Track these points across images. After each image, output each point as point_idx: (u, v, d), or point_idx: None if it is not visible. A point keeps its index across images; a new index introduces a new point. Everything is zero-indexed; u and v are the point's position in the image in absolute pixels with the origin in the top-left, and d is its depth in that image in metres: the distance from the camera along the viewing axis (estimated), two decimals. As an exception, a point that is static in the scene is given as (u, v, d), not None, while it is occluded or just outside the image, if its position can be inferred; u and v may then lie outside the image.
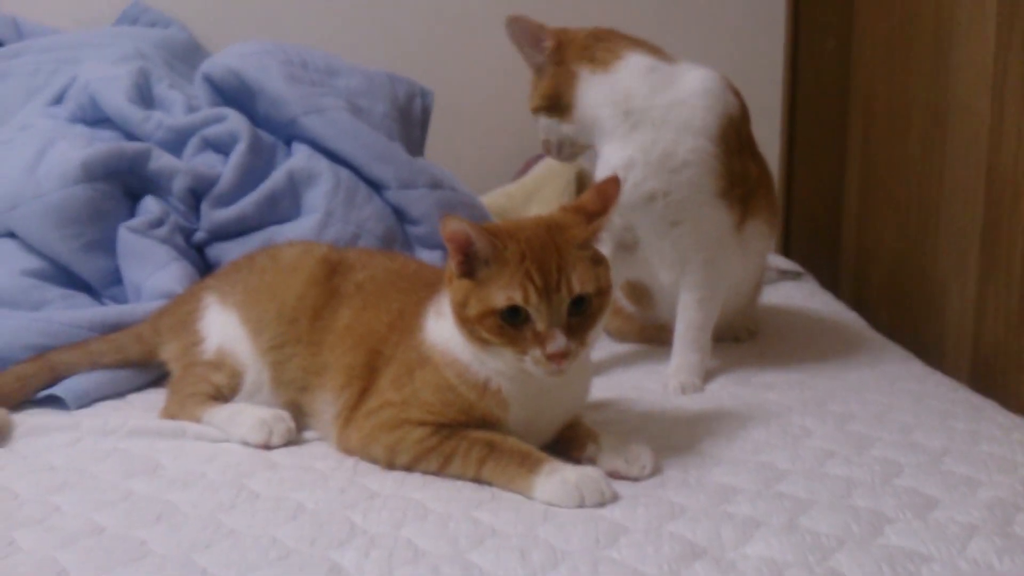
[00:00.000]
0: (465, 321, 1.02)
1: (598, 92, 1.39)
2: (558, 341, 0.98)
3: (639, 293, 1.56)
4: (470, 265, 1.02)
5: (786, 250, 2.26)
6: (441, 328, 1.08)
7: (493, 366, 1.04)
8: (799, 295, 1.88)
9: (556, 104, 1.43)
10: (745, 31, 2.34)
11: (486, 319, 1.00)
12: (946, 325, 1.61)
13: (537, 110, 1.46)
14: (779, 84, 2.34)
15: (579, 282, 0.99)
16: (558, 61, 1.42)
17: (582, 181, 2.14)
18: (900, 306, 1.84)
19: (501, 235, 1.01)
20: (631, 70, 1.39)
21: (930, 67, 1.74)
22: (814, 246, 2.19)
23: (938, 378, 1.38)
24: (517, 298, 0.98)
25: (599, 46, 1.41)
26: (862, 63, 2.10)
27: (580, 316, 1.00)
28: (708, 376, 1.40)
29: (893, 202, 1.92)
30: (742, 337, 1.60)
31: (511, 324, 0.99)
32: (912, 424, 1.17)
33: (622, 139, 1.38)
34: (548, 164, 2.19)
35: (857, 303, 1.98)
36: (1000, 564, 0.84)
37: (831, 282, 2.14)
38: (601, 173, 1.39)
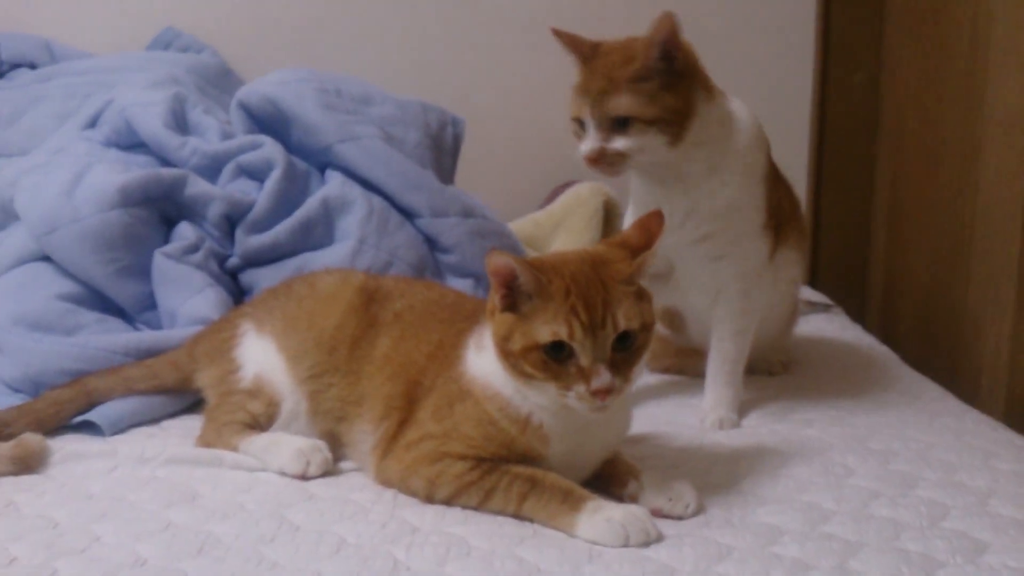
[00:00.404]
0: (508, 355, 1.01)
1: (709, 122, 1.31)
2: (603, 377, 0.98)
3: (671, 317, 1.55)
4: (513, 299, 1.02)
5: (813, 282, 2.25)
6: (482, 361, 1.07)
7: (535, 400, 1.03)
8: (830, 328, 1.87)
9: (673, 122, 1.28)
10: (774, 63, 2.35)
11: (530, 354, 0.99)
12: (981, 361, 1.60)
13: (653, 122, 1.27)
14: (807, 117, 2.34)
15: (624, 318, 0.99)
16: (685, 75, 1.29)
17: (609, 209, 2.14)
18: (931, 341, 1.83)
19: (546, 269, 1.01)
20: (730, 106, 1.35)
21: (962, 102, 1.74)
22: (842, 279, 2.18)
23: (976, 415, 1.36)
24: (562, 333, 0.98)
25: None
26: (892, 97, 2.10)
27: (625, 352, 1.00)
28: (743, 410, 1.39)
29: (923, 236, 1.91)
30: (776, 371, 1.59)
31: (555, 359, 0.99)
32: (956, 463, 1.16)
33: (695, 179, 1.33)
34: (576, 192, 2.19)
35: (885, 337, 1.97)
36: (1056, 612, 0.83)
37: (858, 316, 2.12)
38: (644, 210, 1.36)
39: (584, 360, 0.98)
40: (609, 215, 2.14)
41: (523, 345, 1.00)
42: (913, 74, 1.99)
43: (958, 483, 1.10)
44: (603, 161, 1.28)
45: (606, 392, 0.98)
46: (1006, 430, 1.31)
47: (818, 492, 1.08)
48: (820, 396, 1.45)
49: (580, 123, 1.31)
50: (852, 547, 0.94)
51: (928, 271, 1.88)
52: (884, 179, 2.13)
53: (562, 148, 2.33)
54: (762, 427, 1.33)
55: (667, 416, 1.40)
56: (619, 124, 1.27)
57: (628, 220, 1.47)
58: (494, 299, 1.03)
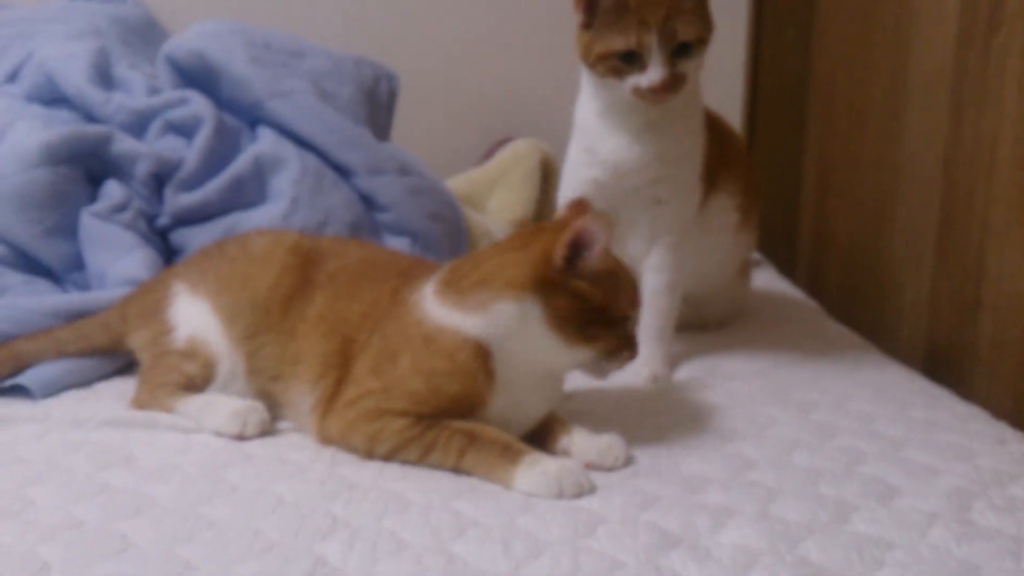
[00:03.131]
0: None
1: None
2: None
3: None
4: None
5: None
6: (438, 312, 1.08)
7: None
8: (758, 282, 1.92)
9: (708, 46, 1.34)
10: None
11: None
12: (901, 315, 1.66)
13: (706, 44, 1.33)
14: (741, 73, 2.38)
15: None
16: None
17: (547, 167, 2.15)
18: (855, 295, 1.89)
19: None
20: None
21: (889, 59, 1.78)
22: (772, 234, 2.24)
23: (895, 367, 1.43)
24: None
25: None
26: (822, 54, 2.14)
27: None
28: (673, 364, 1.43)
29: (850, 193, 1.97)
30: (710, 327, 1.64)
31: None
32: (872, 413, 1.21)
33: (667, 123, 1.37)
34: (513, 149, 2.19)
35: (813, 291, 2.03)
36: (959, 550, 0.88)
37: (788, 270, 2.19)
38: (617, 156, 1.39)
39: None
40: (547, 172, 2.15)
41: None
42: (844, 32, 2.03)
43: (874, 432, 1.15)
44: (671, 87, 1.29)
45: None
46: (922, 380, 1.37)
47: (741, 442, 1.13)
48: (747, 350, 1.50)
49: (629, 57, 1.29)
50: (773, 493, 0.99)
51: (854, 227, 1.94)
52: (814, 135, 2.18)
53: (499, 104, 2.35)
54: (691, 381, 1.37)
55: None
56: (682, 49, 1.29)
57: (569, 170, 1.48)
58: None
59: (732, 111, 2.33)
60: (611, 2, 1.29)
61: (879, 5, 1.83)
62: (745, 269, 1.68)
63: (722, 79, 2.33)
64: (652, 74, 1.28)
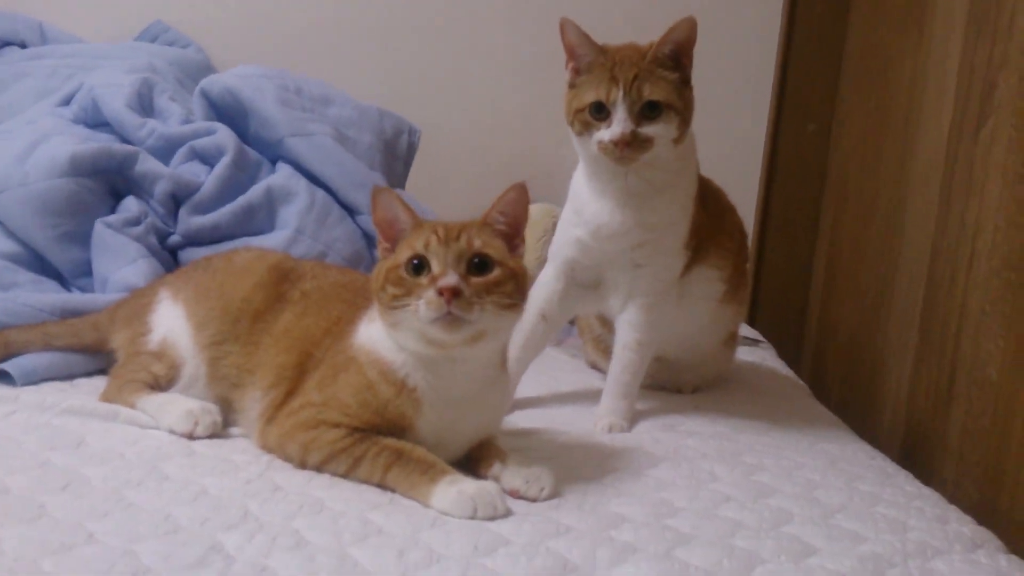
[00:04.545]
0: (380, 290, 1.08)
1: (688, 138, 1.41)
2: (450, 277, 1.03)
3: (604, 321, 1.62)
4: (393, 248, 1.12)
5: (753, 320, 2.29)
6: (371, 330, 1.13)
7: (402, 340, 1.07)
8: (753, 358, 1.91)
9: (684, 120, 1.37)
10: (731, 106, 2.42)
11: (392, 273, 1.07)
12: (884, 401, 1.64)
13: (678, 112, 1.35)
14: (760, 161, 2.41)
15: (480, 241, 1.07)
16: (688, 82, 1.38)
17: (559, 231, 2.19)
18: (850, 382, 1.86)
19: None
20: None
21: (897, 157, 1.80)
22: (780, 319, 2.23)
23: (860, 446, 1.40)
24: (419, 246, 1.06)
25: None
26: (839, 148, 2.16)
27: (481, 276, 1.05)
28: (636, 418, 1.43)
29: (855, 282, 1.96)
30: (684, 390, 1.63)
31: (414, 275, 1.05)
32: (818, 482, 1.19)
33: (648, 195, 1.40)
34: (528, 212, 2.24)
35: (816, 376, 2.01)
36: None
37: (794, 353, 2.16)
38: (600, 220, 1.42)
39: (436, 265, 1.04)
40: (558, 235, 2.19)
41: (388, 266, 1.08)
42: (859, 128, 2.05)
43: (813, 499, 1.13)
44: (632, 145, 1.32)
45: (452, 291, 1.01)
46: (884, 459, 1.34)
47: (675, 491, 1.12)
48: (714, 414, 1.49)
49: (597, 110, 1.34)
50: (685, 538, 0.98)
51: (856, 315, 1.92)
52: (827, 225, 2.18)
53: (517, 168, 2.41)
54: (647, 435, 1.36)
55: (566, 418, 1.44)
56: (649, 110, 1.33)
57: (560, 228, 1.52)
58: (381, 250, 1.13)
59: (748, 198, 2.36)
60: (591, 60, 1.35)
61: (894, 101, 1.85)
62: (730, 340, 1.67)
63: (742, 166, 2.39)
64: (614, 128, 1.32)
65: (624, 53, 1.35)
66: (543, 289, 1.50)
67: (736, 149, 2.38)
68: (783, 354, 2.10)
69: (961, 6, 1.56)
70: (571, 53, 1.39)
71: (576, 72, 1.39)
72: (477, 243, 1.06)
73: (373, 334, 1.12)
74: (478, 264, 1.06)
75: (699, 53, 2.39)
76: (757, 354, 1.94)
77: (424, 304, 1.02)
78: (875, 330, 1.77)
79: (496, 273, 1.06)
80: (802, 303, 2.25)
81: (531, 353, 1.51)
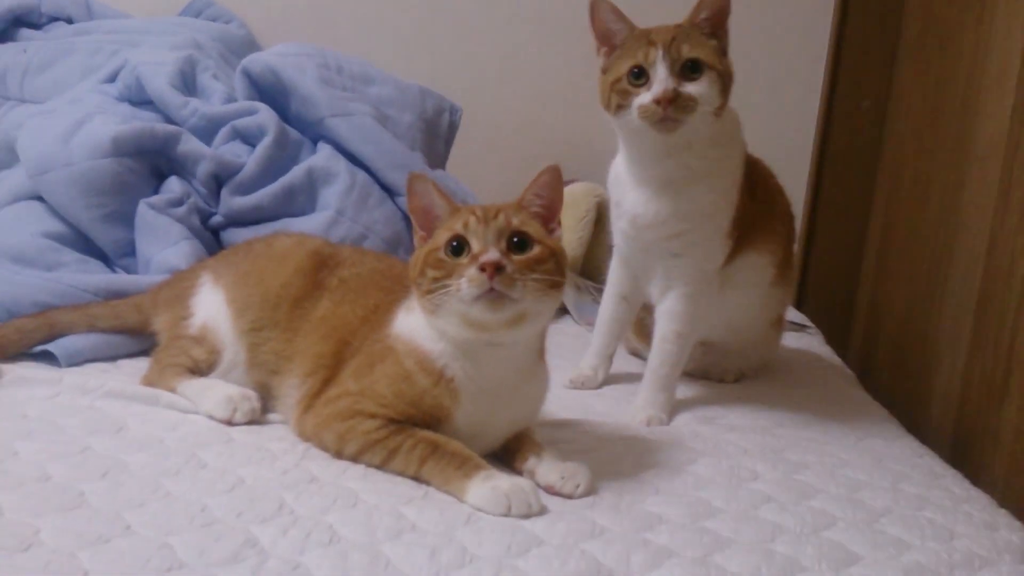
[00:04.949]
0: (420, 265, 1.08)
1: (727, 118, 1.38)
2: (491, 254, 1.02)
3: (647, 304, 1.59)
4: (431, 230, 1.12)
5: (800, 304, 2.24)
6: (409, 320, 1.12)
7: (444, 325, 1.06)
8: (801, 344, 1.86)
9: (725, 87, 1.33)
10: (783, 80, 2.35)
11: (431, 255, 1.06)
12: (934, 393, 1.59)
13: (720, 75, 1.32)
14: (811, 137, 2.34)
15: (517, 219, 1.06)
16: (726, 54, 1.35)
17: (602, 209, 2.16)
18: (901, 370, 1.81)
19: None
20: (735, 113, 1.40)
21: (955, 137, 1.73)
22: (829, 302, 2.18)
23: (907, 442, 1.36)
24: (457, 227, 1.06)
25: None
26: (895, 126, 2.09)
27: (521, 254, 1.04)
28: (675, 410, 1.41)
29: (907, 267, 1.90)
30: (727, 379, 1.60)
31: (454, 253, 1.05)
32: (863, 482, 1.16)
33: (686, 183, 1.37)
34: (570, 191, 2.21)
35: (865, 361, 1.96)
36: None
37: (842, 339, 2.11)
38: (636, 210, 1.41)
39: (477, 244, 1.04)
40: (601, 215, 2.16)
41: (427, 250, 1.07)
42: (916, 106, 1.98)
43: (857, 500, 1.10)
44: (675, 103, 1.28)
45: (494, 266, 1.00)
46: (932, 457, 1.30)
47: (714, 490, 1.10)
48: (757, 406, 1.46)
49: (636, 76, 1.31)
50: (723, 542, 0.96)
51: (907, 301, 1.87)
52: (880, 206, 2.12)
53: (560, 147, 2.38)
54: (686, 428, 1.34)
55: (605, 408, 1.43)
56: (691, 69, 1.29)
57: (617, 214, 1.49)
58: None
59: (799, 177, 2.30)
60: (624, 36, 1.33)
61: (951, 80, 1.78)
62: (777, 323, 1.63)
63: (793, 142, 2.32)
64: (655, 87, 1.28)
65: (659, 27, 1.33)
66: (615, 273, 1.53)
67: (787, 125, 2.31)
68: (831, 340, 2.05)
69: (1028, -20, 1.49)
70: (603, 36, 1.36)
71: (608, 54, 1.36)
72: (515, 221, 1.06)
73: (411, 323, 1.11)
74: (518, 243, 1.05)
75: (751, 25, 2.35)
76: (804, 340, 1.90)
77: (466, 282, 1.01)
78: (928, 318, 1.71)
79: (536, 251, 1.05)
80: (852, 287, 2.19)
81: (616, 337, 1.55)
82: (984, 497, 1.16)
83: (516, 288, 1.01)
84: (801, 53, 2.35)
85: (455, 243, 1.05)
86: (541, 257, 1.05)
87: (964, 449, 1.43)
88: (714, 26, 1.32)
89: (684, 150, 1.35)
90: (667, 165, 1.36)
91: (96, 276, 1.54)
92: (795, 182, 2.31)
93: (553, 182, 1.11)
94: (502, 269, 1.01)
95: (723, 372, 1.61)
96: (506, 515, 0.98)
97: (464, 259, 1.04)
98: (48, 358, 1.38)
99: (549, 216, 1.12)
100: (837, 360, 1.82)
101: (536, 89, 2.41)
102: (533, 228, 1.07)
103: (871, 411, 1.50)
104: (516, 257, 1.04)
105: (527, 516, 0.99)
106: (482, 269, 1.00)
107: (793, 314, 2.06)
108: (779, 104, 2.31)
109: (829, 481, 1.15)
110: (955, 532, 1.03)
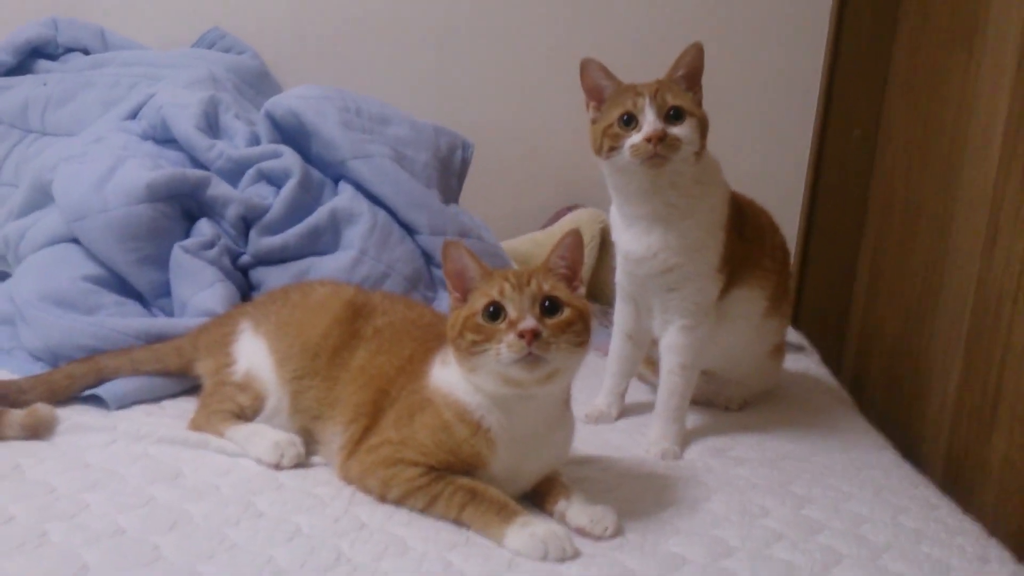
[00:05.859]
0: (455, 337, 1.16)
1: (707, 162, 1.50)
2: (528, 321, 1.11)
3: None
4: (465, 296, 1.20)
5: (796, 323, 2.34)
6: (445, 373, 1.21)
7: (482, 382, 1.15)
8: (798, 366, 1.97)
9: (703, 133, 1.46)
10: (778, 109, 2.45)
11: (469, 320, 1.14)
12: (926, 421, 1.69)
13: (699, 121, 1.45)
14: (805, 165, 2.44)
15: (549, 285, 1.15)
16: (700, 105, 1.48)
17: (606, 235, 2.25)
18: (893, 393, 1.92)
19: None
20: (715, 158, 1.51)
21: (942, 176, 1.82)
22: (823, 323, 2.28)
23: (904, 472, 1.46)
24: (494, 293, 1.14)
25: None
26: (885, 157, 2.18)
27: (553, 318, 1.14)
28: (686, 440, 1.51)
29: (898, 291, 2.00)
30: (732, 407, 1.70)
31: (490, 321, 1.13)
32: (865, 516, 1.26)
33: (674, 219, 1.48)
34: (576, 216, 2.30)
35: (857, 382, 2.06)
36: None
37: (835, 359, 2.21)
38: (630, 247, 1.52)
39: (513, 310, 1.12)
40: (605, 241, 2.25)
41: (465, 315, 1.15)
42: (905, 139, 2.08)
43: (860, 535, 1.20)
44: (663, 142, 1.41)
45: (532, 333, 1.10)
46: (927, 487, 1.40)
47: (729, 528, 1.19)
48: (762, 436, 1.56)
49: (626, 122, 1.43)
50: (741, 583, 1.06)
51: (899, 327, 1.97)
52: (871, 233, 2.22)
53: (567, 173, 2.48)
54: (699, 461, 1.44)
55: (620, 441, 1.52)
56: (674, 115, 1.43)
57: (617, 255, 1.59)
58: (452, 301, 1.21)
59: (793, 203, 2.40)
60: (612, 90, 1.47)
61: (941, 116, 1.87)
62: (776, 352, 1.73)
63: (786, 171, 2.43)
64: (646, 128, 1.41)
65: (643, 82, 1.46)
66: (620, 313, 1.63)
67: (782, 152, 2.42)
68: (825, 358, 2.16)
69: (1014, 30, 1.58)
70: (593, 91, 1.49)
71: (598, 108, 1.49)
72: (546, 287, 1.15)
73: (448, 377, 1.20)
74: (549, 307, 1.14)
75: (748, 55, 2.44)
76: (802, 362, 2.00)
77: (506, 348, 1.10)
78: (918, 347, 1.82)
79: (567, 314, 1.14)
80: (845, 307, 2.30)
81: (626, 375, 1.65)
82: (976, 528, 1.26)
83: (551, 350, 1.11)
84: (795, 81, 2.45)
85: (492, 308, 1.14)
86: (571, 320, 1.14)
87: (955, 474, 1.53)
88: (690, 82, 1.47)
89: (669, 188, 1.46)
90: (654, 202, 1.47)
91: (136, 320, 1.62)
92: (790, 207, 2.41)
93: (575, 244, 1.20)
94: (539, 335, 1.10)
95: (727, 400, 1.71)
96: (543, 559, 1.08)
97: (501, 324, 1.13)
98: (95, 400, 1.46)
99: (572, 276, 1.21)
100: (834, 382, 1.92)
101: (542, 120, 2.49)
102: (561, 291, 1.17)
103: (868, 439, 1.60)
104: (549, 321, 1.13)
105: (562, 560, 1.08)
106: (521, 335, 1.10)
107: (790, 334, 2.16)
108: (775, 131, 2.42)
109: (833, 515, 1.25)
110: (951, 566, 1.13)
